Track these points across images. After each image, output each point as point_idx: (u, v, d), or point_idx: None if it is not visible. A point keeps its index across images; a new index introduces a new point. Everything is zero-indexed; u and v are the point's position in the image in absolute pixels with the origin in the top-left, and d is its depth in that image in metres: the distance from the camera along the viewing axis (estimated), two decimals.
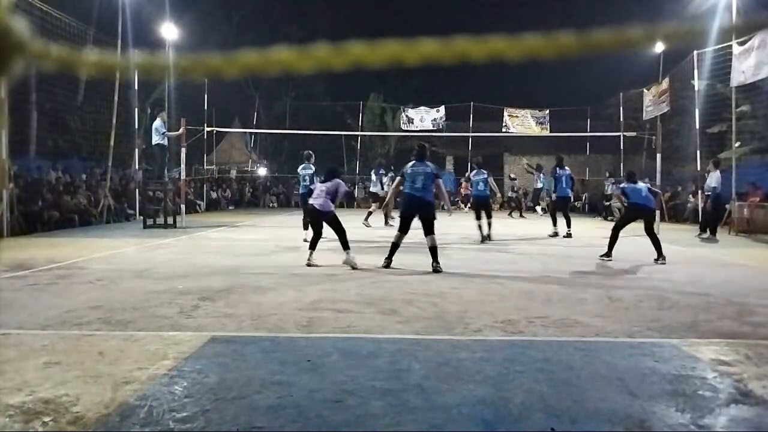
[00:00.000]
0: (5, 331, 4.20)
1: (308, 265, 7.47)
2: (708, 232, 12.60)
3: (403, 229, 7.51)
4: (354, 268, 7.36)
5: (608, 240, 8.67)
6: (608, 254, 8.61)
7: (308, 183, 10.18)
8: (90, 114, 18.06)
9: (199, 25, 24.44)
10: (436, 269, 7.18)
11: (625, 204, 9.03)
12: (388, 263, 7.45)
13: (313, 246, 7.67)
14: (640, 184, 8.85)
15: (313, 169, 10.51)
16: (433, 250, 7.30)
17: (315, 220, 7.71)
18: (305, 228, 9.91)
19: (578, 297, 5.76)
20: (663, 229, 13.75)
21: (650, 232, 8.60)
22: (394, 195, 9.49)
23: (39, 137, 17.88)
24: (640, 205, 8.65)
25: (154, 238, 11.05)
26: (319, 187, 7.86)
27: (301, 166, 10.78)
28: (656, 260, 8.38)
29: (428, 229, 7.38)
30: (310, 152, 10.89)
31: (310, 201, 7.86)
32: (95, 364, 3.48)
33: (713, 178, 12.87)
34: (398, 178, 8.04)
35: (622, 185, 9.18)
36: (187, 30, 19.84)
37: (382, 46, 0.65)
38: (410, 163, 7.66)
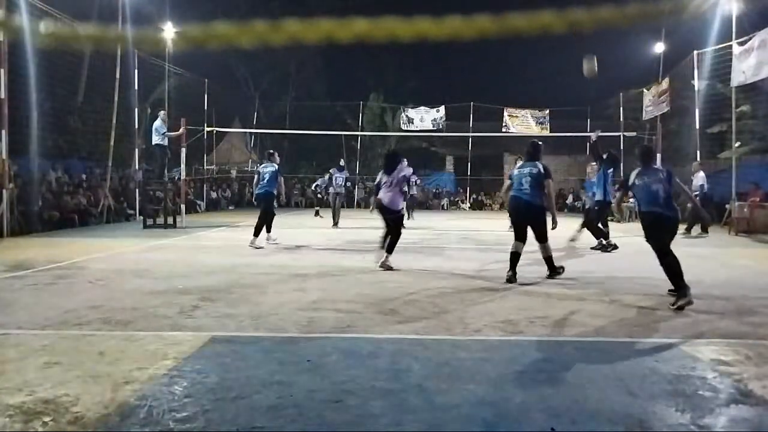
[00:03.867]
0: (5, 331, 4.20)
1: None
2: (691, 231, 12.69)
3: (519, 237, 6.59)
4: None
5: None
6: None
7: (266, 182, 9.73)
8: (90, 114, 18.04)
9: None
10: (550, 276, 6.70)
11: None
12: (511, 275, 6.45)
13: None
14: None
15: (276, 167, 9.89)
16: (548, 260, 6.69)
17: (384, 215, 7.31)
18: (256, 234, 9.59)
19: (578, 297, 5.76)
20: None
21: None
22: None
23: (39, 137, 17.85)
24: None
25: (154, 238, 11.05)
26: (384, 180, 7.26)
27: (261, 165, 10.42)
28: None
29: (538, 237, 6.57)
30: (271, 151, 10.53)
31: (379, 195, 7.30)
32: (95, 364, 3.48)
33: (699, 178, 13.34)
34: (507, 182, 7.26)
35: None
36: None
37: (317, 24, 0.74)
38: (518, 164, 6.98)
